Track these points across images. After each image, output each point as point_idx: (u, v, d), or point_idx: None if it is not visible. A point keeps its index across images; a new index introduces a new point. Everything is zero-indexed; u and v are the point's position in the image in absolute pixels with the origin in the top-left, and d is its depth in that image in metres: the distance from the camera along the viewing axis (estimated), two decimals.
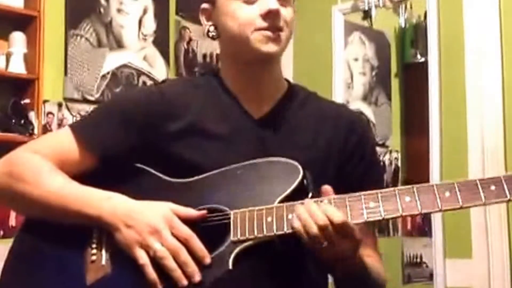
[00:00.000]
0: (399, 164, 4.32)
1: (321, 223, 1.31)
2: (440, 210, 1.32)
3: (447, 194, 1.32)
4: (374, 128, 4.30)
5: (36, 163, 1.51)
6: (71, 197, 1.46)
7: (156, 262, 1.37)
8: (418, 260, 4.07)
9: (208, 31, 1.59)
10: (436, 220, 3.58)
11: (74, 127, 1.58)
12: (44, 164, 1.51)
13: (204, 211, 1.42)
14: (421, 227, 4.07)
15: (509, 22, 3.49)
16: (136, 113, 1.54)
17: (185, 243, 1.38)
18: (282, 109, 1.59)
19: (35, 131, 3.40)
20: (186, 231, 1.39)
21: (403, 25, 4.34)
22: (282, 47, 1.54)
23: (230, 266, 1.36)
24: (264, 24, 1.49)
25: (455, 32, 3.67)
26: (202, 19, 1.61)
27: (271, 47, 1.51)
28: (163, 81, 1.68)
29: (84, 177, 1.51)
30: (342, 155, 1.57)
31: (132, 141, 1.53)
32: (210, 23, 1.58)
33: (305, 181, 1.42)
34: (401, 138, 4.42)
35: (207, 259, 1.37)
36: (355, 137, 1.60)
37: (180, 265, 1.37)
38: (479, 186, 1.30)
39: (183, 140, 1.52)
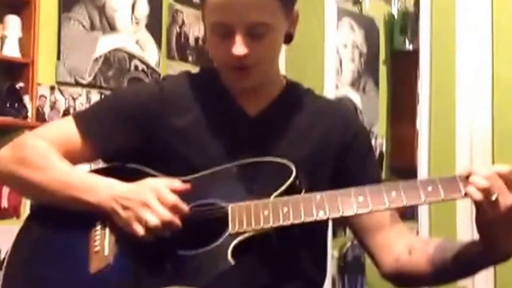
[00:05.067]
0: (384, 151, 4.39)
1: (485, 173, 1.32)
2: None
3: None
4: (361, 115, 4.35)
5: (43, 149, 1.55)
6: (74, 184, 1.51)
7: (153, 232, 1.42)
8: None
9: (205, 33, 1.61)
10: (423, 208, 3.63)
11: (77, 118, 1.61)
12: (51, 151, 1.55)
13: (188, 185, 1.47)
14: (404, 210, 4.13)
15: (501, 12, 3.50)
16: (137, 109, 1.58)
17: (173, 210, 1.43)
18: (278, 107, 1.61)
19: (29, 114, 3.41)
20: (171, 199, 1.43)
21: (395, 14, 4.38)
22: (257, 79, 1.55)
23: (229, 258, 1.39)
24: (232, 62, 1.50)
25: (447, 21, 3.68)
26: (202, 23, 1.62)
27: (241, 83, 1.55)
28: (164, 78, 1.70)
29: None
30: (337, 151, 1.60)
31: (133, 136, 1.57)
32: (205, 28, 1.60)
33: (297, 181, 1.46)
34: (387, 124, 4.48)
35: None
36: (350, 134, 1.63)
37: (171, 228, 1.42)
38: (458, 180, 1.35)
39: (181, 136, 1.56)
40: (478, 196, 1.31)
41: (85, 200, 1.48)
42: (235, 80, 1.55)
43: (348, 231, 3.52)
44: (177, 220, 1.42)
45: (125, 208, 1.45)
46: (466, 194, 1.33)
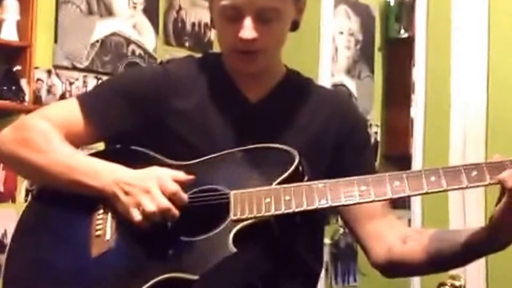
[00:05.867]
0: (379, 139, 4.41)
1: None
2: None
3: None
4: (356, 102, 4.36)
5: (47, 131, 1.55)
6: (77, 168, 1.51)
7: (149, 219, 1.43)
8: None
9: (212, 20, 1.62)
10: (416, 205, 3.62)
11: (81, 100, 1.62)
12: (54, 133, 1.55)
13: (192, 177, 1.47)
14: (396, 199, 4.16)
15: (497, 2, 3.53)
16: (141, 91, 1.59)
17: (172, 198, 1.43)
18: (279, 94, 1.63)
19: (26, 98, 3.41)
20: (171, 187, 1.44)
21: (391, 2, 4.38)
22: (261, 64, 1.56)
23: (230, 245, 1.39)
24: (239, 46, 1.51)
25: (442, 9, 3.68)
26: (209, 7, 1.63)
27: (246, 68, 1.56)
28: (168, 61, 1.71)
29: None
30: (335, 141, 1.62)
31: (136, 118, 1.58)
32: (212, 14, 1.61)
33: (300, 167, 1.47)
34: (382, 112, 4.50)
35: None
36: (349, 124, 1.65)
37: (168, 217, 1.43)
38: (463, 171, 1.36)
39: (185, 120, 1.57)
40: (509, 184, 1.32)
41: (88, 184, 1.49)
42: (240, 64, 1.56)
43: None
44: (174, 209, 1.43)
45: (126, 193, 1.46)
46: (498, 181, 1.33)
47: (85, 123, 1.59)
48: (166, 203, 1.42)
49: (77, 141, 1.59)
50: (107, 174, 1.49)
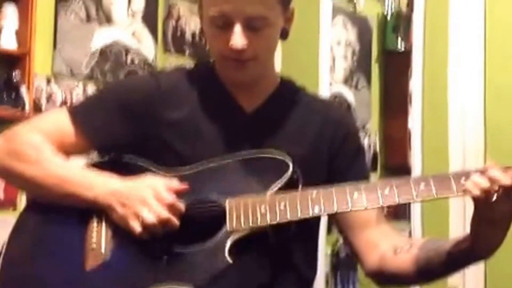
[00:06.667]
0: (377, 149, 4.42)
1: (493, 176, 1.35)
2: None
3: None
4: (353, 112, 4.38)
5: (37, 143, 1.55)
6: (69, 179, 1.51)
7: (150, 230, 1.43)
8: None
9: (202, 29, 1.63)
10: (416, 209, 3.66)
11: (71, 111, 1.61)
12: (45, 145, 1.55)
13: (186, 186, 1.48)
14: (397, 211, 4.18)
15: (494, 13, 3.54)
16: (132, 101, 1.58)
17: (170, 209, 1.44)
18: (273, 104, 1.63)
19: (26, 105, 3.39)
20: (168, 197, 1.45)
21: (388, 14, 4.41)
22: (253, 73, 1.56)
23: (226, 256, 1.40)
24: (230, 55, 1.51)
25: (440, 22, 3.72)
26: (198, 16, 1.63)
27: (238, 76, 1.56)
28: (160, 72, 1.72)
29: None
30: (330, 149, 1.62)
31: (127, 128, 1.57)
32: (202, 23, 1.61)
33: (295, 175, 1.48)
34: (379, 122, 4.52)
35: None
36: (342, 132, 1.65)
37: (167, 227, 1.43)
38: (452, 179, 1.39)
39: (177, 130, 1.56)
40: (476, 192, 1.35)
41: (81, 196, 1.48)
42: (232, 72, 1.56)
43: None
44: (174, 219, 1.43)
45: (122, 204, 1.45)
46: (464, 191, 1.37)
47: (76, 133, 1.57)
48: (165, 213, 1.43)
49: (68, 152, 1.57)
50: (101, 185, 1.48)
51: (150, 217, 1.42)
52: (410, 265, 1.51)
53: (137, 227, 1.43)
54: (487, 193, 1.34)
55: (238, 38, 1.48)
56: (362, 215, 1.54)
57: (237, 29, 1.48)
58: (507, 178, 1.35)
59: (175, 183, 1.47)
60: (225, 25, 1.49)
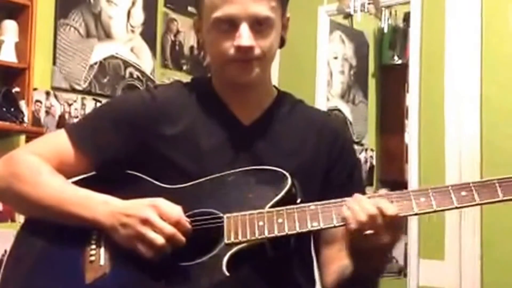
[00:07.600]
0: (374, 163, 4.43)
1: (371, 212, 1.36)
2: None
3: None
4: (351, 126, 4.39)
5: (36, 164, 1.55)
6: (69, 200, 1.50)
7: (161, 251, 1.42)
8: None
9: (198, 42, 1.65)
10: (413, 223, 3.67)
11: (70, 131, 1.61)
12: (44, 166, 1.55)
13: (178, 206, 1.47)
14: None
15: (490, 28, 3.56)
16: (128, 117, 1.59)
17: (177, 226, 1.43)
18: (271, 116, 1.64)
19: (26, 119, 3.40)
20: (174, 214, 1.44)
21: (385, 29, 4.43)
22: (258, 74, 1.56)
23: (224, 269, 1.40)
24: (236, 56, 1.52)
25: (436, 37, 3.73)
26: (194, 29, 1.65)
27: (244, 78, 1.56)
28: (156, 87, 1.70)
29: (81, 183, 1.55)
30: (327, 162, 1.63)
31: (126, 144, 1.58)
32: (200, 35, 1.63)
33: (293, 189, 1.49)
34: (376, 136, 4.53)
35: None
36: (338, 145, 1.66)
37: (176, 245, 1.43)
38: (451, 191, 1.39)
39: (175, 145, 1.57)
40: (353, 226, 1.37)
41: (81, 216, 1.48)
42: (238, 74, 1.55)
43: None
44: (181, 236, 1.43)
45: (124, 225, 1.45)
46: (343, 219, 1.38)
47: (75, 152, 1.58)
48: (172, 231, 1.43)
49: (69, 172, 1.57)
50: (100, 205, 1.48)
51: (159, 239, 1.41)
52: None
53: (147, 252, 1.42)
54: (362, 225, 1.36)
55: (246, 37, 1.50)
56: (332, 230, 1.52)
57: (244, 28, 1.50)
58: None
59: (175, 211, 1.46)
60: (229, 29, 1.51)
